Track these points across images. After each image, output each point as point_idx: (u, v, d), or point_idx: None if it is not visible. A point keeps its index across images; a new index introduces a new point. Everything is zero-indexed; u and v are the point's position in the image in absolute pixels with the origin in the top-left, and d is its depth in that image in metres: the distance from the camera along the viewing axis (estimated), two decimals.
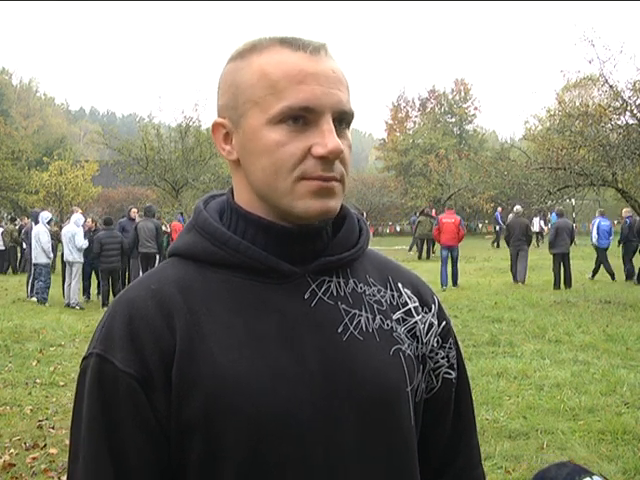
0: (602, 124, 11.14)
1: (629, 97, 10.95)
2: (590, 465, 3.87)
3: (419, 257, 20.87)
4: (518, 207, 14.32)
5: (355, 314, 0.91)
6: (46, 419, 5.11)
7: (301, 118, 0.84)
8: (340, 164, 0.87)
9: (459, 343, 1.06)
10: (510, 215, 14.55)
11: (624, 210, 15.36)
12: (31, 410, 5.37)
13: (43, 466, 4.13)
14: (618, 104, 11.06)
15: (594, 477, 0.76)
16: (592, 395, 5.39)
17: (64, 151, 33.93)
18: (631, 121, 10.96)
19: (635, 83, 10.88)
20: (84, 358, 0.87)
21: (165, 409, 0.82)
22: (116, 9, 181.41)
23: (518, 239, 13.61)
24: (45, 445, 4.51)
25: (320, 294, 0.89)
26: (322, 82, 0.85)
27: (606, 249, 13.72)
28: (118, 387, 0.82)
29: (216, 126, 0.92)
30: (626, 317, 8.96)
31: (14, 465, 4.14)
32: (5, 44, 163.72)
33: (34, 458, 4.25)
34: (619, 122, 11.23)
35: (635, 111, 10.80)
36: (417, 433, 0.96)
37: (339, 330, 0.88)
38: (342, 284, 0.92)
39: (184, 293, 0.87)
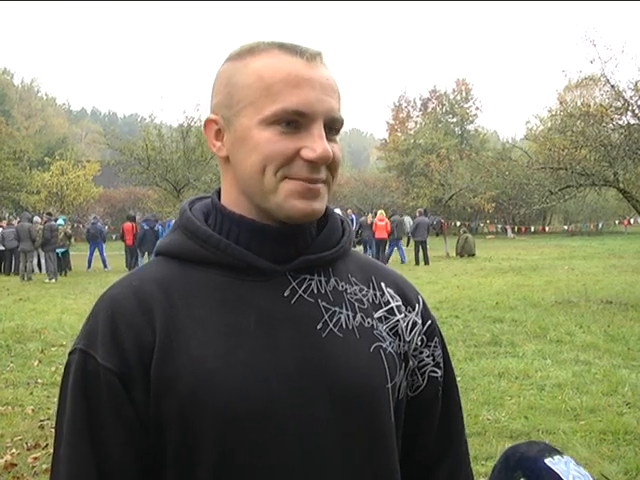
0: (604, 124, 11.11)
1: (630, 97, 10.92)
2: (591, 465, 3.87)
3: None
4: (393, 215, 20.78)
5: (335, 311, 0.91)
6: (47, 419, 5.11)
7: (293, 122, 0.85)
8: (327, 169, 0.88)
9: (445, 342, 1.06)
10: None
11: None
12: (33, 410, 5.36)
13: (45, 466, 4.13)
14: (619, 104, 11.04)
15: (564, 456, 0.77)
16: (593, 395, 5.38)
17: (65, 151, 33.93)
18: (632, 121, 10.92)
19: (637, 83, 10.85)
20: (69, 353, 0.89)
21: (144, 404, 0.84)
22: (117, 9, 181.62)
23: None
24: (47, 445, 4.50)
25: (300, 292, 0.90)
26: (316, 88, 0.86)
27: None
28: (99, 381, 0.84)
29: (208, 122, 0.94)
30: (627, 317, 8.94)
31: (16, 465, 4.14)
32: (7, 44, 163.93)
33: (36, 458, 4.25)
34: (620, 122, 11.20)
35: (637, 111, 10.77)
36: (399, 431, 0.96)
37: (318, 327, 0.89)
38: (323, 282, 0.93)
39: (165, 291, 0.88)
